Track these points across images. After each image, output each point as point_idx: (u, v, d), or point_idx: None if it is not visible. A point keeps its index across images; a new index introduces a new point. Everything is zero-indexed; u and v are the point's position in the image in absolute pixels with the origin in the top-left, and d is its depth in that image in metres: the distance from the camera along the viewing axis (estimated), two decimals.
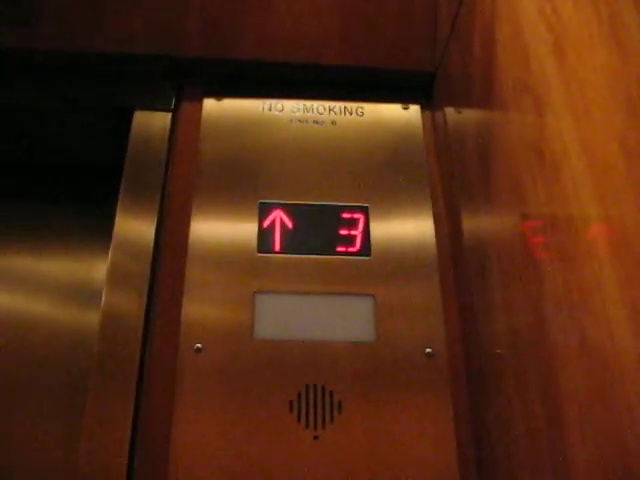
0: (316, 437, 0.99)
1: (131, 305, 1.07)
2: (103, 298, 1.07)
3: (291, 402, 1.01)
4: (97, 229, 1.36)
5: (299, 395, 1.02)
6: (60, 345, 1.32)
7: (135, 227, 1.15)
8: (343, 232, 1.16)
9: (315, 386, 1.02)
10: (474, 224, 1.09)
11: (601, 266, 0.65)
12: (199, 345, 1.04)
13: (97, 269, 1.38)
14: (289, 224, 1.16)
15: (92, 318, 1.23)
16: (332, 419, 1.00)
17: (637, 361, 0.59)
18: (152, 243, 1.13)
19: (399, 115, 1.32)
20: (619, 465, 0.61)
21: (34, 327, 1.34)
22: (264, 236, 1.14)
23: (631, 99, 0.62)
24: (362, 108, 1.31)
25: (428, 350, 1.06)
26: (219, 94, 1.30)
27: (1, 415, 1.24)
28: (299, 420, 1.00)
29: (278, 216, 1.16)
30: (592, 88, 0.69)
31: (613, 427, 0.62)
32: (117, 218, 1.15)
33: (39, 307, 1.37)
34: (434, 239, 1.18)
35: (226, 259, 1.12)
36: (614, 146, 0.64)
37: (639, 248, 0.59)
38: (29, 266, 1.42)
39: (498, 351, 0.95)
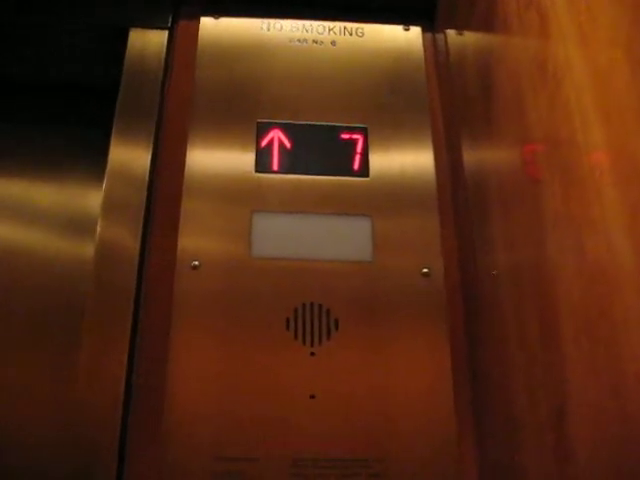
0: (312, 353, 1.00)
1: (128, 228, 1.06)
2: (99, 223, 1.07)
3: (288, 319, 1.02)
4: (92, 153, 1.34)
5: (296, 312, 1.02)
6: (56, 275, 1.32)
7: (131, 149, 1.13)
8: (342, 152, 1.15)
9: (312, 304, 1.03)
10: (474, 149, 1.08)
11: (602, 175, 0.65)
12: (196, 262, 1.04)
13: (92, 194, 1.37)
14: (287, 144, 1.15)
15: (88, 247, 1.22)
16: (329, 336, 1.01)
17: (635, 271, 0.58)
18: (148, 164, 1.12)
19: (400, 36, 1.29)
20: (614, 381, 0.61)
21: (27, 257, 1.33)
22: (262, 156, 1.13)
23: (637, 5, 0.61)
24: (362, 29, 1.28)
25: (425, 270, 1.07)
26: (217, 13, 1.27)
27: None
28: (296, 337, 1.01)
29: (276, 136, 1.15)
30: None
31: (609, 343, 0.62)
32: (112, 142, 1.13)
33: (32, 235, 1.36)
34: (433, 162, 1.17)
35: (223, 179, 1.11)
36: (619, 54, 0.63)
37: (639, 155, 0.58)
38: (20, 193, 1.40)
39: (494, 272, 0.95)
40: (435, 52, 1.30)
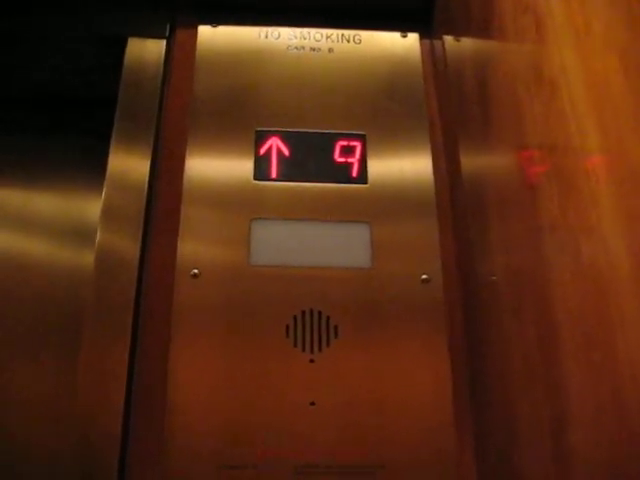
0: (312, 360, 1.00)
1: (127, 236, 1.07)
2: (98, 232, 1.07)
3: (287, 326, 1.02)
4: (93, 163, 1.34)
5: (295, 320, 1.02)
6: (56, 285, 1.32)
7: (130, 157, 1.13)
8: (340, 159, 1.15)
9: (312, 311, 1.03)
10: (472, 154, 1.08)
11: (598, 181, 0.65)
12: (196, 271, 1.04)
13: (91, 205, 1.37)
14: (285, 151, 1.15)
15: (88, 257, 1.22)
16: (328, 343, 1.01)
17: (631, 274, 0.59)
18: (147, 173, 1.12)
19: (397, 43, 1.29)
20: (611, 386, 0.61)
21: (27, 267, 1.34)
22: (260, 163, 1.13)
23: (631, 11, 0.61)
24: (359, 36, 1.29)
25: (424, 276, 1.07)
26: (214, 21, 1.27)
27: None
28: (295, 344, 1.01)
29: (274, 143, 1.15)
30: (592, 1, 0.68)
31: (606, 347, 0.62)
32: (111, 151, 1.14)
33: (32, 245, 1.37)
34: (431, 168, 1.17)
35: (222, 187, 1.11)
36: (613, 60, 0.63)
37: (635, 161, 0.58)
38: (20, 203, 1.41)
39: (493, 278, 0.95)
40: (433, 58, 1.30)
